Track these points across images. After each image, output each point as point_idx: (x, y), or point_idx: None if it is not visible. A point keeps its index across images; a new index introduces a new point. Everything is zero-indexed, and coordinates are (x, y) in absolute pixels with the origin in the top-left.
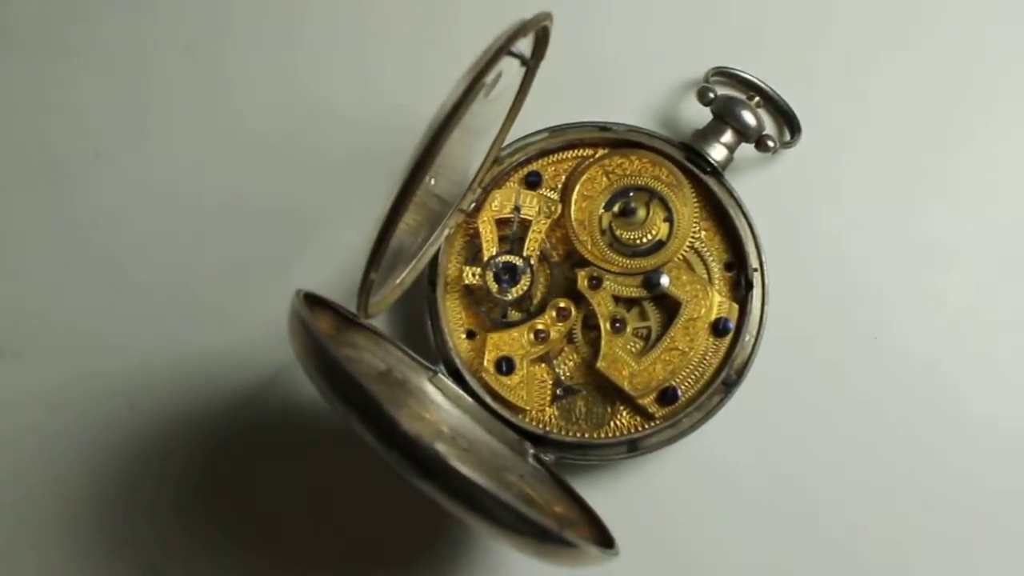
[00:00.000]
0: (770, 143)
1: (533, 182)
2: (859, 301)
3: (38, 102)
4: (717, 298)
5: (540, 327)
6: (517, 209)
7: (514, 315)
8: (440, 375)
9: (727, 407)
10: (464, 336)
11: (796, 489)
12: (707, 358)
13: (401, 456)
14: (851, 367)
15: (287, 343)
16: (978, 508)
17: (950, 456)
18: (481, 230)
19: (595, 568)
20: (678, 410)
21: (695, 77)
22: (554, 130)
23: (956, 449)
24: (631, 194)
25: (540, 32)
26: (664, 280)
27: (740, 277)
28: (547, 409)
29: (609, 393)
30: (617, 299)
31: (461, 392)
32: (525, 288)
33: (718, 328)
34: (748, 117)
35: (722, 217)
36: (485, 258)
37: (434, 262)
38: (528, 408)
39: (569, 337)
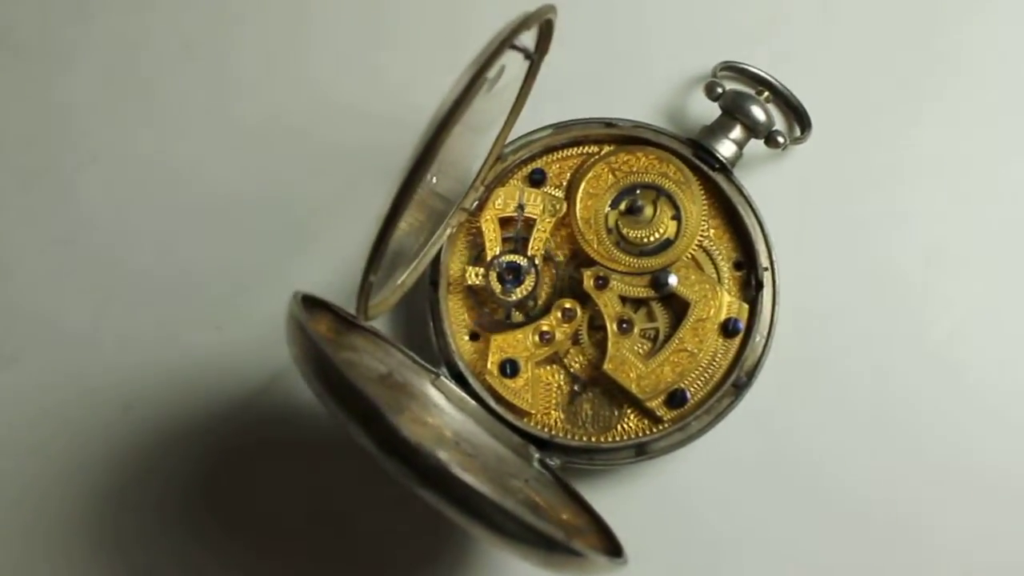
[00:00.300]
0: (780, 139)
1: (537, 180)
2: (872, 300)
3: (33, 103)
4: (727, 298)
5: (545, 328)
6: (521, 207)
7: (518, 316)
8: (443, 378)
9: (737, 410)
10: (467, 338)
11: (809, 494)
12: (717, 359)
13: (402, 464)
14: (865, 367)
15: (286, 346)
16: (1001, 505)
17: (969, 456)
18: (484, 229)
19: None
20: (687, 413)
21: (703, 71)
22: (559, 126)
23: (975, 448)
24: (638, 192)
25: (544, 25)
26: (672, 280)
27: (750, 276)
28: (552, 412)
29: (616, 396)
30: (624, 299)
31: (464, 395)
32: (529, 289)
33: (728, 329)
34: (757, 112)
35: (731, 215)
36: (488, 258)
37: (436, 262)
38: (533, 411)
39: (575, 338)
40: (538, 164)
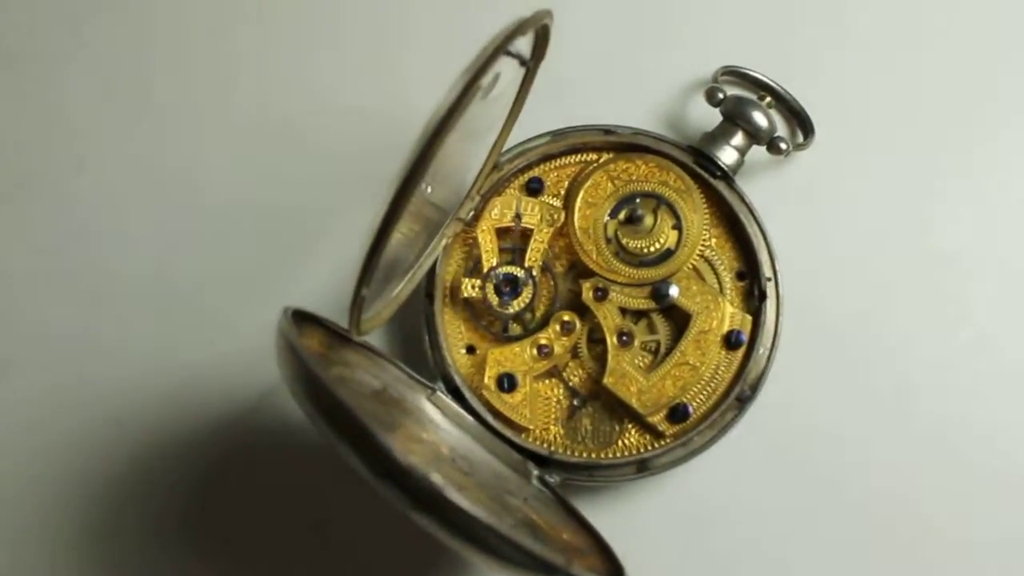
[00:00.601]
0: (783, 145)
1: (534, 189)
2: (879, 310)
3: (24, 108)
4: (729, 309)
5: (543, 342)
6: (518, 217)
7: (516, 329)
8: (439, 393)
9: (741, 424)
10: (464, 352)
11: (816, 510)
12: (719, 373)
13: (394, 487)
14: (871, 380)
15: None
16: (1016, 519)
17: (981, 472)
18: (480, 240)
19: None
20: (689, 428)
21: (703, 77)
22: (556, 134)
23: (988, 465)
24: (637, 201)
25: (540, 31)
26: (673, 291)
27: (753, 287)
28: (551, 428)
29: (616, 410)
30: (624, 311)
31: (461, 411)
32: (527, 301)
33: (731, 341)
34: (759, 118)
35: (733, 224)
36: (485, 269)
37: (431, 274)
38: (532, 427)
39: (574, 352)
40: (535, 173)
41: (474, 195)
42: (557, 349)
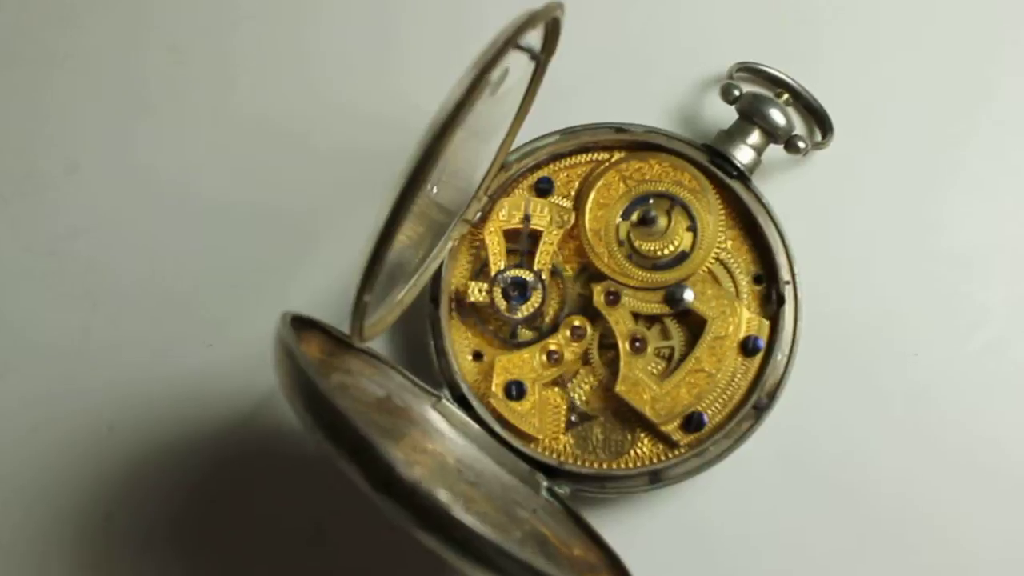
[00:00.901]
0: (801, 144)
1: (544, 189)
2: (899, 314)
3: (16, 109)
4: (746, 314)
5: (553, 348)
6: (527, 219)
7: (524, 335)
8: (444, 401)
9: (758, 433)
10: (470, 358)
11: (835, 521)
12: (736, 380)
13: (398, 505)
14: (892, 387)
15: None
16: None
17: (1011, 476)
18: (488, 242)
19: None
20: (704, 437)
21: (718, 73)
22: (566, 132)
23: (1010, 476)
24: (651, 201)
25: (550, 24)
26: (688, 295)
27: (771, 291)
28: (561, 437)
29: (629, 419)
30: (637, 316)
31: (467, 419)
32: (536, 305)
33: (747, 347)
34: (777, 116)
35: (750, 225)
36: (492, 273)
37: (437, 278)
38: (541, 436)
39: (584, 358)
40: (544, 172)
41: (481, 196)
42: (567, 355)
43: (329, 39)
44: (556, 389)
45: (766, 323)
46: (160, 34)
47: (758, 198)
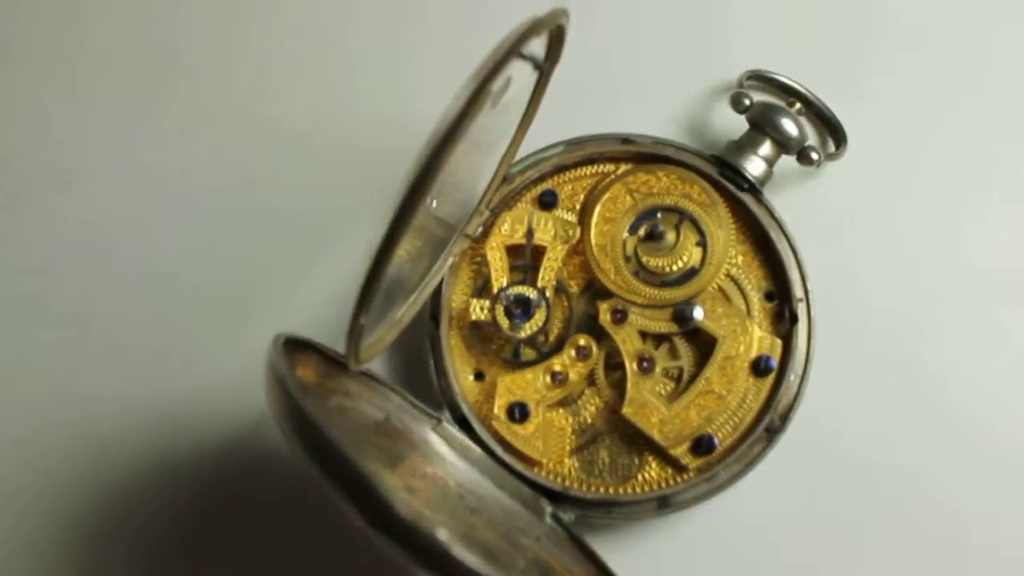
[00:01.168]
0: (814, 155)
1: (548, 202)
2: (918, 333)
3: (5, 119)
4: (758, 333)
5: (557, 368)
6: (530, 233)
7: (528, 354)
8: (445, 423)
9: (770, 457)
10: (471, 378)
11: (847, 550)
12: (747, 402)
13: (396, 543)
14: (910, 409)
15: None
16: None
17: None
18: (489, 258)
19: None
20: (715, 461)
21: (728, 82)
22: (571, 143)
23: None
24: (659, 215)
25: (555, 32)
26: (697, 313)
27: (783, 308)
28: (566, 461)
29: (636, 442)
30: (644, 335)
31: (469, 442)
32: (540, 324)
33: (759, 367)
34: (789, 126)
35: (762, 240)
36: (494, 290)
37: (437, 295)
38: (545, 460)
39: (590, 379)
40: (548, 185)
41: (483, 209)
42: (572, 376)
43: (331, 40)
44: (560, 411)
45: (779, 342)
46: (159, 38)
47: (770, 212)
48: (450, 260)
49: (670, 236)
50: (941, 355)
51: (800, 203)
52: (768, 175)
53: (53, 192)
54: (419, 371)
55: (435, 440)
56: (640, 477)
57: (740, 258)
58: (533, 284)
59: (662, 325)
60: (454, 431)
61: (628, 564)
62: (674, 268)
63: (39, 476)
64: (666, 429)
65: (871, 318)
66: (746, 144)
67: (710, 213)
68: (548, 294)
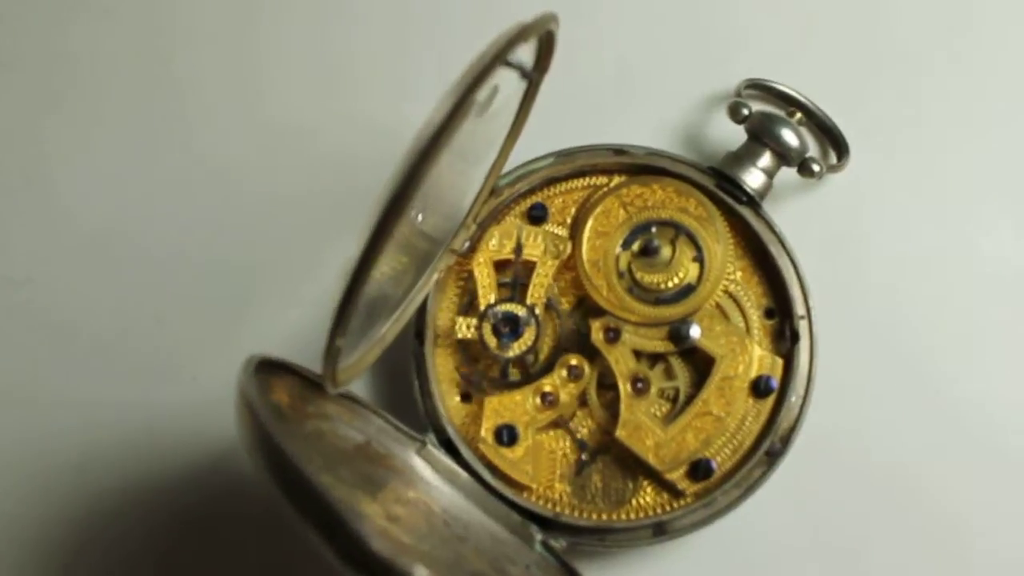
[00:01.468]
0: (815, 167)
1: (537, 216)
2: (924, 351)
3: None
4: (757, 352)
5: (547, 389)
6: (519, 248)
7: (516, 374)
8: (429, 447)
9: (771, 482)
10: (458, 400)
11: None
12: (747, 424)
13: None
14: (916, 431)
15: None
16: None
17: None
18: (476, 274)
19: None
20: (713, 486)
21: (725, 91)
22: (561, 155)
23: None
24: (653, 230)
25: (544, 38)
26: (694, 331)
27: (784, 326)
28: (557, 486)
29: (631, 466)
30: (639, 354)
31: (454, 466)
32: (529, 343)
33: (759, 388)
34: (789, 136)
35: (761, 255)
36: (482, 307)
37: (421, 312)
38: (534, 485)
39: (582, 400)
40: (538, 198)
41: (469, 223)
42: (563, 397)
43: (328, 43)
44: (551, 433)
45: (779, 362)
46: (124, 45)
47: (770, 225)
48: (435, 276)
49: (665, 251)
50: (951, 373)
51: (801, 216)
52: (767, 188)
53: (18, 199)
54: (403, 393)
55: (419, 464)
56: (635, 503)
57: (739, 274)
58: (522, 301)
59: (657, 344)
60: (439, 455)
61: None
62: (670, 284)
63: (5, 504)
64: (662, 453)
65: (876, 336)
66: (745, 155)
67: (707, 227)
68: (538, 312)
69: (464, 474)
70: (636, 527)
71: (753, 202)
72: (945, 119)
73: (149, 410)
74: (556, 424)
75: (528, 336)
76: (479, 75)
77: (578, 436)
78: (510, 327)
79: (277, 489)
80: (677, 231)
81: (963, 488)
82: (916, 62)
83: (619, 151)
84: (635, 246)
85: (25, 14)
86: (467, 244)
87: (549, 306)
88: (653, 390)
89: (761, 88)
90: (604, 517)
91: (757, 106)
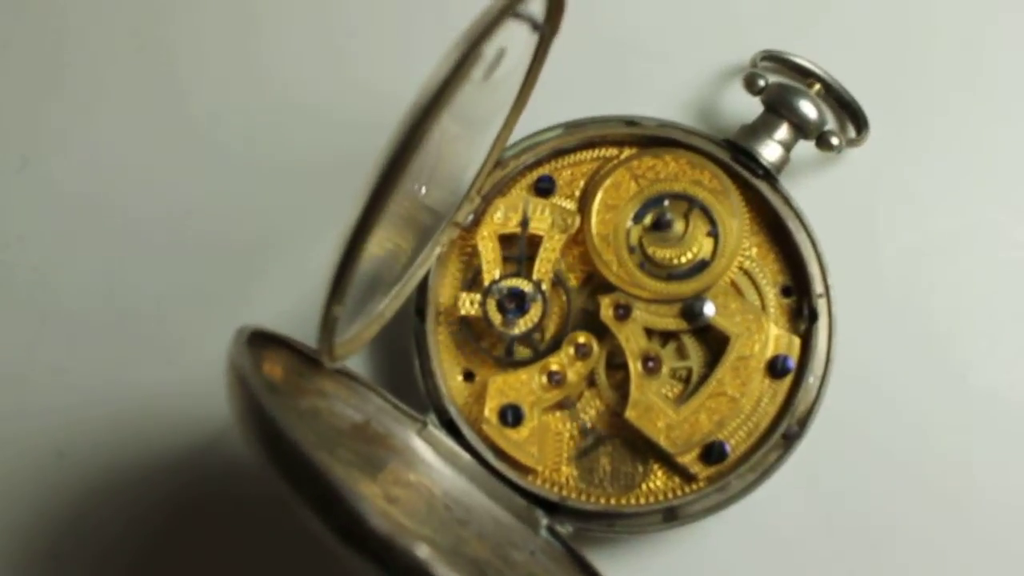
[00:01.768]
0: (834, 140)
1: (544, 189)
2: (945, 332)
3: None
4: (774, 331)
5: (554, 368)
6: (525, 222)
7: (522, 353)
8: (430, 427)
9: (787, 466)
10: (460, 378)
11: (869, 565)
12: (762, 405)
13: (370, 561)
14: (936, 413)
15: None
16: None
17: None
18: (480, 248)
19: None
20: (726, 470)
21: (740, 62)
22: (570, 126)
23: None
24: (666, 203)
25: None
26: (708, 309)
27: (801, 304)
28: (563, 469)
29: (641, 449)
30: (650, 332)
31: (456, 448)
32: (535, 320)
33: (775, 368)
34: (807, 108)
35: (778, 230)
36: (486, 283)
37: (423, 288)
38: (540, 468)
39: (590, 380)
40: (545, 170)
41: (473, 196)
42: (571, 376)
43: (301, 22)
44: (558, 414)
45: (797, 341)
46: (116, 19)
47: (787, 200)
48: (437, 250)
49: (678, 225)
50: (974, 354)
51: (819, 191)
52: (785, 161)
53: (7, 175)
54: (403, 371)
55: (420, 445)
56: (644, 487)
57: (754, 250)
58: (528, 277)
59: (669, 322)
60: (441, 436)
61: None
62: (683, 260)
63: None
64: (673, 435)
65: (897, 315)
66: (761, 128)
67: (722, 201)
68: (544, 287)
69: (466, 456)
70: (646, 512)
71: (770, 176)
72: (968, 95)
73: (141, 388)
74: (561, 406)
75: (534, 312)
76: (488, 26)
77: (582, 418)
78: (515, 303)
79: (269, 464)
80: (691, 204)
81: (986, 472)
82: (939, 35)
83: (630, 122)
84: (647, 220)
85: None
86: (471, 217)
87: (556, 282)
88: (665, 370)
89: (777, 60)
90: (612, 502)
91: (773, 78)
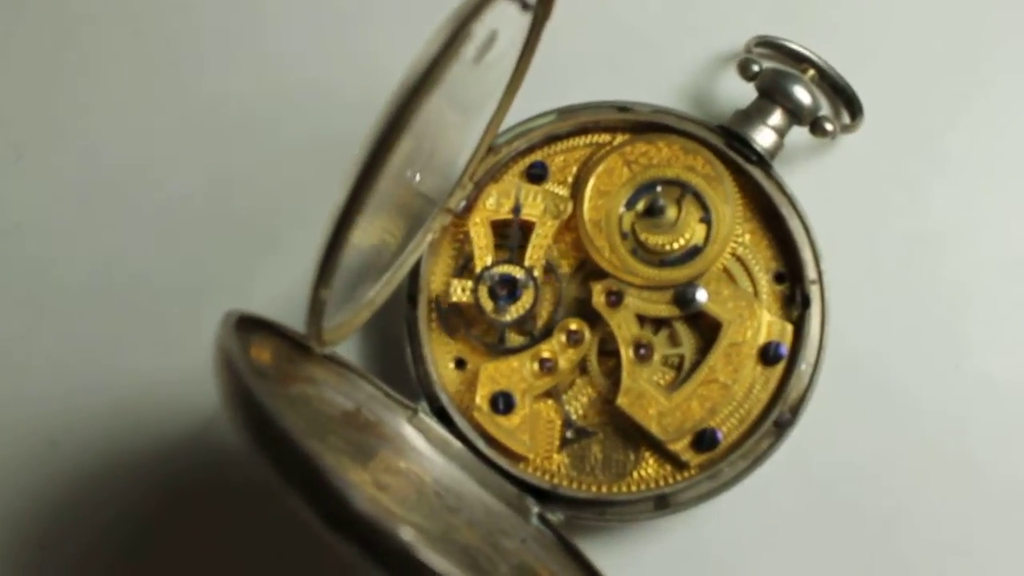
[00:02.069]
0: (828, 126)
1: (537, 175)
2: (938, 320)
3: None
4: (766, 317)
5: (546, 355)
6: (517, 208)
7: (514, 340)
8: (421, 415)
9: (779, 453)
10: (452, 366)
11: (862, 555)
12: (754, 392)
13: (354, 544)
14: (929, 400)
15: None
16: None
17: None
18: (472, 234)
19: None
20: (718, 457)
21: (734, 47)
22: (563, 112)
23: None
24: (658, 189)
25: None
26: (700, 295)
27: (794, 291)
28: (555, 456)
29: (632, 436)
30: (642, 319)
31: (447, 436)
32: (527, 306)
33: (768, 355)
34: (801, 93)
35: (771, 217)
36: (478, 269)
37: (415, 274)
38: (531, 455)
39: (582, 367)
40: (538, 156)
41: (466, 182)
42: (562, 363)
43: (291, 10)
44: (549, 401)
45: (789, 328)
46: (108, 12)
47: (780, 186)
48: (429, 237)
49: (671, 211)
50: (967, 340)
51: (813, 179)
52: (778, 147)
53: (3, 166)
54: (394, 358)
55: (410, 433)
56: (636, 475)
57: (747, 236)
58: (520, 263)
59: (661, 308)
60: (432, 423)
61: (622, 569)
62: (675, 246)
63: None
64: (665, 422)
65: (890, 301)
66: (755, 113)
67: (715, 187)
68: (536, 274)
69: (457, 443)
70: (637, 500)
71: (763, 162)
72: (963, 81)
73: (136, 376)
74: (550, 395)
75: (526, 299)
76: (477, 5)
77: (567, 409)
78: (507, 289)
79: (255, 448)
80: (683, 190)
81: (979, 459)
82: (934, 21)
83: (623, 108)
84: (639, 206)
85: None
86: (463, 204)
87: (548, 268)
88: (656, 357)
89: (771, 46)
90: (604, 490)
91: (768, 64)
